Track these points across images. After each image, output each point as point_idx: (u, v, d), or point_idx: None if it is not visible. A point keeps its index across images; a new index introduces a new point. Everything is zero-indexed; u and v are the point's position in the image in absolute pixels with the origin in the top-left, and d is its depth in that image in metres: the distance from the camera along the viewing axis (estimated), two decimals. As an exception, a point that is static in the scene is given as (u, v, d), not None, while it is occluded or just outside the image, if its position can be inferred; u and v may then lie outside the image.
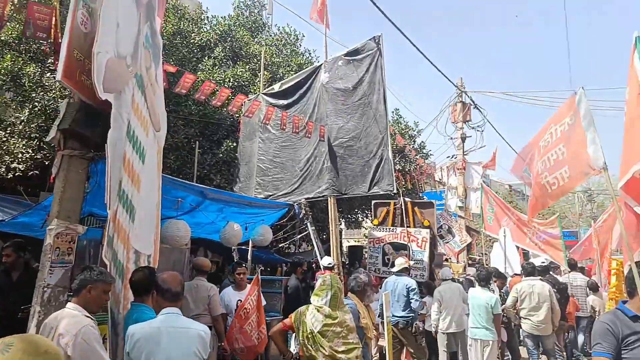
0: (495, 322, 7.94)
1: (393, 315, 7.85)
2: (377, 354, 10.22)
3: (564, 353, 10.21)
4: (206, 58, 14.48)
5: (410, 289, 7.87)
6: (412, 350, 7.99)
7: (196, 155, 10.95)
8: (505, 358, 9.43)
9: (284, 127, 9.89)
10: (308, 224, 9.51)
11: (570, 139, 5.48)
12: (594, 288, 11.38)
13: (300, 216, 9.36)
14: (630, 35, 5.01)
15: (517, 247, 15.79)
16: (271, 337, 4.69)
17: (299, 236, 11.39)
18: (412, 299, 7.83)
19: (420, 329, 8.07)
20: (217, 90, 9.68)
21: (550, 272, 11.10)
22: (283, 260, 14.49)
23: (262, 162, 11.87)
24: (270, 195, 11.30)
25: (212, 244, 10.83)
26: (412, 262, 10.83)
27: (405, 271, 8.38)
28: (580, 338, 11.05)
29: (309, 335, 4.20)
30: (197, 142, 11.81)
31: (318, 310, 4.29)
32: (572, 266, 13.37)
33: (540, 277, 9.14)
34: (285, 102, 11.43)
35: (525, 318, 8.68)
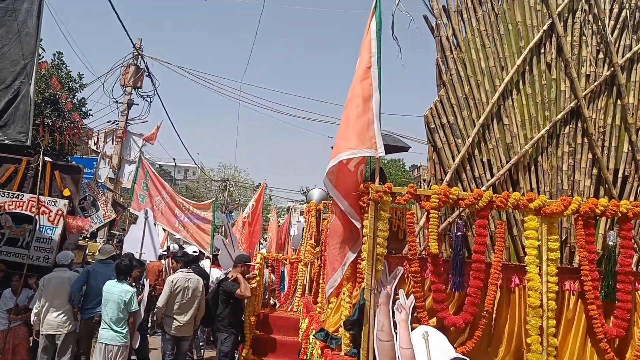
0: (131, 322, 6.14)
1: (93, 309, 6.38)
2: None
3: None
4: None
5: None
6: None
7: None
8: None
9: None
10: None
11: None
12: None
13: None
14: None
15: (164, 230, 13.98)
16: None
17: None
18: None
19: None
20: None
21: (199, 263, 9.77)
22: None
23: None
24: None
25: None
26: (35, 242, 7.84)
27: (114, 259, 6.95)
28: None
29: None
30: None
31: None
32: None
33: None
34: None
35: (171, 317, 6.92)
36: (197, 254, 8.72)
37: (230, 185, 42.69)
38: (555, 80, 4.30)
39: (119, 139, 14.54)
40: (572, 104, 4.23)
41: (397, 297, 3.55)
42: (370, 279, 3.43)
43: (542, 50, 4.35)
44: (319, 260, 7.89)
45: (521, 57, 4.28)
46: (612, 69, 4.28)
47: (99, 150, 15.70)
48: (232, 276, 7.07)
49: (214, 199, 13.28)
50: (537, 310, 3.39)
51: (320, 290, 6.95)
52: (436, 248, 3.49)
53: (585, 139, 4.24)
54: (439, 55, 4.36)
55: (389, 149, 11.56)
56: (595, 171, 4.24)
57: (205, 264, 11.82)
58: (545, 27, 4.32)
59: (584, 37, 4.34)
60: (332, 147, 11.97)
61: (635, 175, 4.23)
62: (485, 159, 4.20)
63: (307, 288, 9.63)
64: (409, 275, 3.60)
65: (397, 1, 4.10)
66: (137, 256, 9.10)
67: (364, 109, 3.58)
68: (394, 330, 3.42)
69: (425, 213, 3.65)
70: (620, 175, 4.24)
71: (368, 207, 3.55)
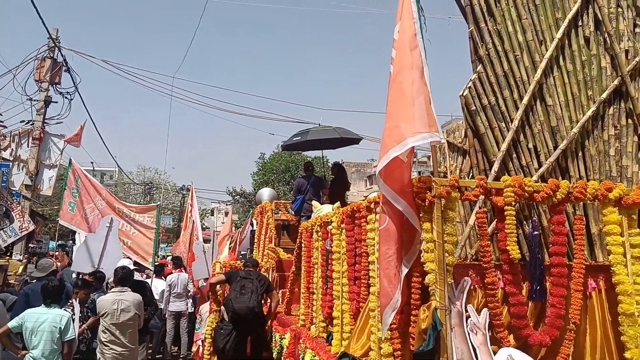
0: (65, 353, 5.12)
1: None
2: None
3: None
4: None
5: None
6: None
7: None
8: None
9: None
10: None
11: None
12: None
13: None
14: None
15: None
16: None
17: None
18: None
19: None
20: None
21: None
22: None
23: None
24: None
25: None
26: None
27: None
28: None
29: None
30: None
31: None
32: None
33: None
34: None
35: (107, 345, 5.74)
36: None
37: (154, 189, 39.92)
38: (595, 56, 3.79)
39: (36, 141, 12.58)
40: (615, 82, 3.74)
41: (467, 314, 2.82)
42: (443, 296, 2.67)
43: (580, 23, 3.82)
44: (293, 266, 7.00)
45: (561, 30, 3.71)
46: (651, 43, 3.85)
47: (10, 155, 13.55)
48: None
49: (158, 203, 11.80)
50: (634, 318, 2.82)
51: (302, 299, 6.05)
52: (518, 253, 2.80)
53: (630, 121, 3.77)
54: (472, 27, 3.68)
55: (344, 141, 10.92)
56: (641, 155, 3.78)
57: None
58: (582, -3, 3.80)
59: (620, 10, 3.87)
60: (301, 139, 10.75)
61: (680, 159, 3.82)
62: (530, 145, 3.59)
63: (270, 296, 8.69)
64: (480, 287, 2.89)
65: None
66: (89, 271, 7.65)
67: (421, 83, 2.80)
68: (475, 357, 2.68)
69: (494, 211, 2.94)
70: (665, 159, 3.82)
71: (429, 206, 2.78)
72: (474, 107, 3.54)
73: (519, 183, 2.85)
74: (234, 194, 43.66)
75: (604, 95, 3.70)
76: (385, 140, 2.77)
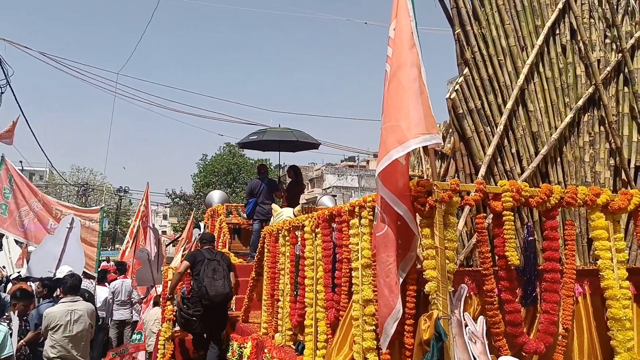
0: None
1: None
2: None
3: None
4: None
5: None
6: None
7: None
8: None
9: None
10: None
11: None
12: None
13: None
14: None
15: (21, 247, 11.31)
16: None
17: None
18: None
19: None
20: None
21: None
22: None
23: None
24: None
25: None
26: None
27: None
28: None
29: None
30: None
31: None
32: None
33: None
34: None
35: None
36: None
37: (89, 191, 37.76)
38: (571, 64, 3.85)
39: (-40, 137, 11.42)
40: (590, 90, 3.81)
41: (465, 323, 2.72)
42: (446, 305, 2.55)
43: (557, 31, 3.87)
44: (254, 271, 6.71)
45: (541, 37, 3.74)
46: (621, 54, 3.97)
47: None
48: None
49: (102, 206, 11.01)
50: (623, 322, 2.83)
51: (265, 306, 5.79)
52: (517, 259, 2.74)
53: (602, 128, 3.86)
54: (459, 29, 3.62)
55: (302, 145, 10.73)
56: (612, 162, 3.88)
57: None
58: (560, 6, 3.85)
59: (592, 20, 3.97)
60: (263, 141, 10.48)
61: (647, 166, 3.96)
62: (514, 150, 3.57)
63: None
64: (476, 294, 2.80)
65: None
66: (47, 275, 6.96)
67: (420, 83, 2.68)
68: (475, 368, 2.58)
69: (491, 215, 2.87)
70: (632, 165, 3.94)
71: (429, 211, 2.66)
72: (461, 111, 3.48)
73: (517, 188, 2.80)
74: (173, 196, 42.09)
75: (580, 103, 3.77)
76: (385, 141, 2.62)
